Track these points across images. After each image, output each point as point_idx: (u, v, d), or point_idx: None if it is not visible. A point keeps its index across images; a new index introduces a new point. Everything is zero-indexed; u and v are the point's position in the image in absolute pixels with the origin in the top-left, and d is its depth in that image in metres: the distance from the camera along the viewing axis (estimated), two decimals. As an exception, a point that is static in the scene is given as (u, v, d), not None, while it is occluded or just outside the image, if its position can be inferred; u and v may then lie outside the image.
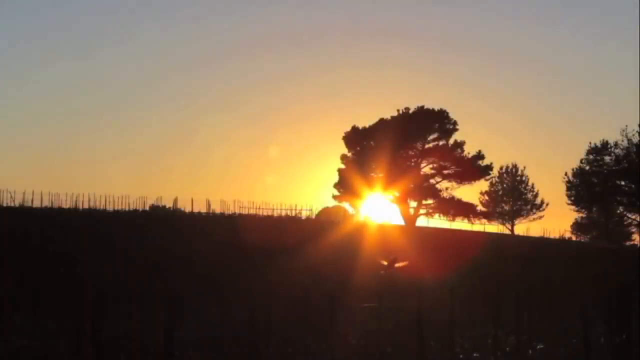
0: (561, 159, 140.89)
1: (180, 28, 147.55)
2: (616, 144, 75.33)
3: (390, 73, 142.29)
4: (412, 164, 78.78)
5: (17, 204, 56.56)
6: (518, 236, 77.12)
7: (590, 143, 77.46)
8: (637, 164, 72.80)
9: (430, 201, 79.76)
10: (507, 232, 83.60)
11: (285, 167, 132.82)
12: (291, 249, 37.23)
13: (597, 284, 31.30)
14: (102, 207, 59.22)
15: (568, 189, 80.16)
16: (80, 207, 57.72)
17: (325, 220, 64.20)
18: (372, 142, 78.11)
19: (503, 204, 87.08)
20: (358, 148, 79.34)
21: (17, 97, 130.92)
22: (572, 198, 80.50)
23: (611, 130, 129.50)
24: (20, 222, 41.52)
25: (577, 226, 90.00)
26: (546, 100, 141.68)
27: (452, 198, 79.08)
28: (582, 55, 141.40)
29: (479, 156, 78.08)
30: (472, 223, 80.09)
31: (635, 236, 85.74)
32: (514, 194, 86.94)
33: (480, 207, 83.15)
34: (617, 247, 68.48)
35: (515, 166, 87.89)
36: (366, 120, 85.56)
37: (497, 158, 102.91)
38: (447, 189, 79.17)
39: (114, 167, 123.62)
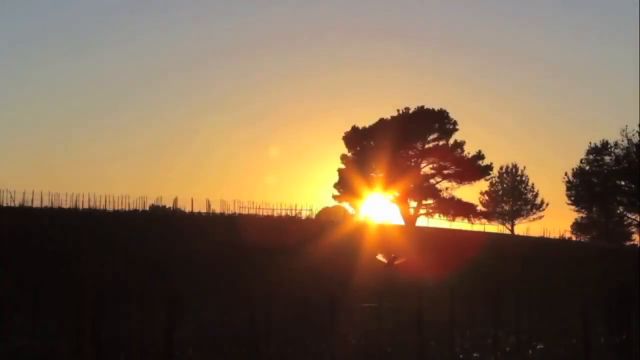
0: (561, 159, 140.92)
1: (180, 28, 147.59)
2: (616, 144, 75.39)
3: (390, 73, 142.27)
4: (412, 164, 78.78)
5: (17, 204, 56.52)
6: (518, 236, 77.11)
7: (590, 143, 77.57)
8: (637, 164, 72.78)
9: (430, 201, 79.77)
10: (507, 232, 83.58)
11: (285, 167, 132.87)
12: (291, 249, 37.24)
13: (597, 284, 31.31)
14: (102, 207, 59.18)
15: (568, 189, 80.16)
16: (80, 207, 57.68)
17: (325, 220, 64.19)
18: (372, 142, 78.11)
19: (503, 204, 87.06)
20: (358, 148, 79.34)
21: (17, 97, 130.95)
22: (572, 198, 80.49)
23: (611, 130, 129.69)
24: (20, 222, 41.52)
25: (577, 226, 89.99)
26: (546, 100, 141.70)
27: (452, 198, 79.09)
28: (582, 55, 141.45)
29: (479, 156, 78.09)
30: (472, 223, 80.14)
31: (635, 236, 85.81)
32: (514, 194, 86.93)
33: (480, 207, 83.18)
34: (617, 247, 68.47)
35: (515, 166, 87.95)
36: (366, 120, 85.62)
37: (497, 158, 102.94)
38: (447, 189, 79.25)
39: (114, 167, 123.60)
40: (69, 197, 61.26)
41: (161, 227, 45.17)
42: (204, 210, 62.21)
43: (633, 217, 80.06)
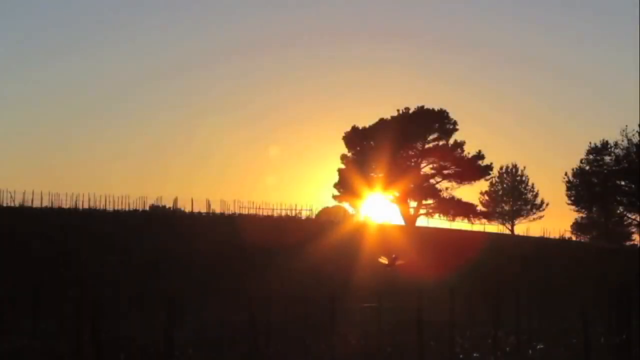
0: (561, 159, 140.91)
1: (180, 28, 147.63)
2: (616, 144, 75.37)
3: (390, 73, 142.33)
4: (412, 164, 78.78)
5: (17, 204, 56.51)
6: (518, 236, 77.09)
7: (590, 143, 77.55)
8: (637, 164, 72.75)
9: (430, 201, 79.76)
10: (507, 232, 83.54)
11: (285, 167, 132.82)
12: (291, 249, 37.25)
13: (597, 284, 31.30)
14: (102, 207, 59.19)
15: (568, 189, 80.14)
16: (80, 207, 57.67)
17: (325, 220, 64.19)
18: (372, 142, 78.11)
19: (503, 204, 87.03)
20: (358, 148, 79.34)
21: (17, 97, 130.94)
22: (572, 198, 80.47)
23: (611, 130, 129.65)
24: (20, 222, 41.51)
25: (577, 226, 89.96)
26: (546, 100, 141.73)
27: (452, 198, 79.08)
28: (582, 55, 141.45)
29: (479, 156, 78.09)
30: (472, 223, 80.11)
31: (635, 236, 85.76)
32: (514, 194, 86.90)
33: (480, 207, 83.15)
34: (617, 247, 68.45)
35: (515, 166, 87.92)
36: (366, 120, 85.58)
37: (497, 158, 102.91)
38: (447, 189, 79.23)
39: (114, 167, 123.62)
40: (69, 197, 61.32)
41: (161, 227, 45.17)
42: (204, 210, 62.25)
43: (633, 217, 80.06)
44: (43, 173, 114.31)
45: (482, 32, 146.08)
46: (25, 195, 58.33)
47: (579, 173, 78.78)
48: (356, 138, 79.36)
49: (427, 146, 78.47)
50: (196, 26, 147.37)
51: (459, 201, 79.30)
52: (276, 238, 40.77)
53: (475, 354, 16.79)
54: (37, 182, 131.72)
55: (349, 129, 79.98)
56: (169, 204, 64.00)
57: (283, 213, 66.46)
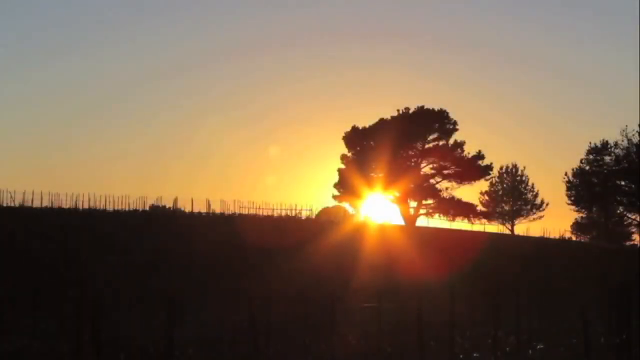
0: (561, 159, 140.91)
1: (180, 28, 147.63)
2: (616, 144, 75.32)
3: (390, 73, 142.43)
4: (412, 164, 78.74)
5: (17, 204, 56.50)
6: (518, 236, 77.06)
7: (590, 143, 77.51)
8: (637, 164, 72.72)
9: (430, 201, 79.71)
10: (507, 232, 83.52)
11: (285, 167, 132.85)
12: (291, 249, 37.22)
13: (597, 284, 31.29)
14: (102, 207, 59.16)
15: (568, 189, 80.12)
16: (80, 207, 57.64)
17: (325, 220, 64.17)
18: (372, 142, 78.08)
19: (503, 204, 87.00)
20: (358, 148, 79.31)
21: (17, 97, 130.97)
22: (572, 198, 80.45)
23: (611, 130, 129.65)
24: (20, 222, 41.51)
25: (577, 226, 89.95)
26: (546, 100, 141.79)
27: (452, 198, 79.04)
28: (582, 55, 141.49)
29: (479, 156, 78.06)
30: (472, 223, 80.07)
31: (635, 236, 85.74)
32: (514, 194, 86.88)
33: (480, 207, 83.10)
34: (617, 247, 68.44)
35: (515, 166, 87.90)
36: (366, 120, 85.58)
37: (497, 158, 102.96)
38: (447, 189, 79.17)
39: (114, 167, 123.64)
40: (69, 197, 61.29)
41: (161, 227, 45.16)
42: (204, 210, 62.23)
43: (633, 217, 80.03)
44: (43, 173, 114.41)
45: (482, 32, 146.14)
46: (25, 195, 58.38)
47: (579, 173, 78.75)
48: (356, 138, 79.33)
49: (427, 146, 78.44)
50: (196, 26, 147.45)
51: (459, 201, 79.28)
52: (276, 238, 40.75)
53: (475, 354, 16.79)
54: (37, 182, 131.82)
55: (349, 129, 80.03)
56: (169, 204, 64.06)
57: (283, 213, 66.47)
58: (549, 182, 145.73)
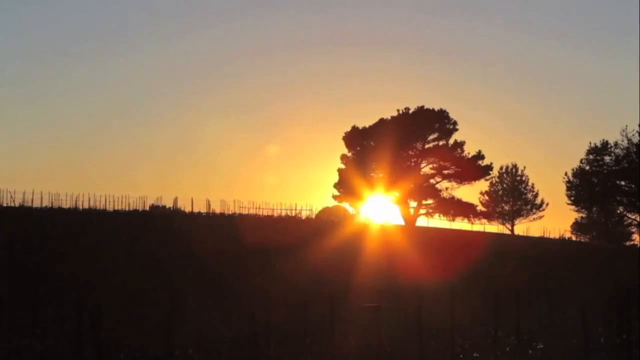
0: (561, 159, 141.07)
1: (181, 29, 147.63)
2: (616, 144, 75.42)
3: (390, 73, 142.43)
4: (412, 164, 78.76)
5: (17, 204, 56.56)
6: (518, 236, 77.07)
7: (590, 143, 77.62)
8: (637, 164, 72.74)
9: (430, 201, 79.77)
10: (507, 232, 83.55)
11: (285, 167, 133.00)
12: (291, 249, 37.20)
13: (597, 284, 31.30)
14: (102, 207, 59.23)
15: (568, 189, 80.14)
16: (80, 207, 57.70)
17: (325, 220, 64.19)
18: (372, 142, 78.10)
19: (503, 204, 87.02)
20: (358, 148, 79.32)
21: (17, 97, 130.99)
22: (572, 198, 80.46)
23: (611, 130, 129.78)
24: (20, 222, 41.50)
25: (577, 226, 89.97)
26: (546, 101, 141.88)
27: (452, 198, 79.08)
28: (582, 55, 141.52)
29: (479, 156, 78.09)
30: (472, 223, 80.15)
31: (635, 236, 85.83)
32: (514, 194, 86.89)
33: (480, 207, 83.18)
34: (617, 247, 68.44)
35: (515, 166, 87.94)
36: (366, 120, 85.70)
37: (497, 158, 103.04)
38: (447, 189, 79.27)
39: (114, 167, 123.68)
40: (69, 197, 61.41)
41: (161, 227, 45.15)
42: (204, 210, 62.30)
43: (633, 217, 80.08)
44: (43, 173, 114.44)
45: (482, 33, 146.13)
46: (25, 195, 58.48)
47: (579, 173, 78.77)
48: (356, 138, 79.35)
49: (427, 146, 78.48)
50: (197, 28, 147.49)
51: (459, 201, 79.31)
52: (276, 238, 40.75)
53: (475, 354, 16.78)
54: (37, 182, 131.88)
55: (349, 129, 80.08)
56: (169, 204, 64.16)
57: (283, 213, 66.52)
58: (549, 182, 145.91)
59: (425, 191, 78.82)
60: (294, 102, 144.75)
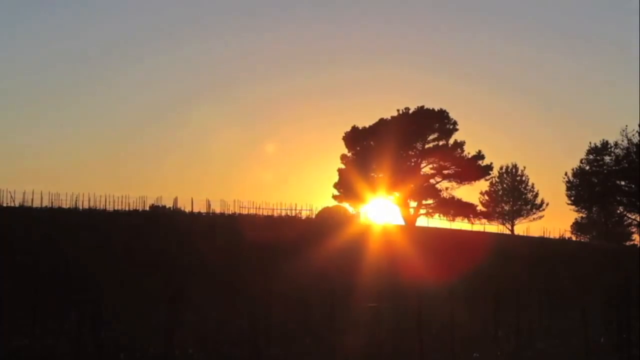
0: (561, 159, 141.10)
1: (180, 28, 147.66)
2: (616, 144, 75.45)
3: (390, 73, 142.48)
4: (412, 164, 78.77)
5: (17, 204, 56.54)
6: (518, 236, 77.07)
7: (590, 143, 77.68)
8: (637, 164, 72.76)
9: (430, 201, 79.79)
10: (507, 232, 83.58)
11: (285, 167, 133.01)
12: (291, 249, 37.19)
13: (597, 284, 31.29)
14: (102, 207, 59.24)
15: (568, 189, 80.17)
16: (80, 207, 57.69)
17: (325, 220, 64.17)
18: (372, 142, 78.11)
19: (503, 204, 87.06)
20: (358, 148, 79.34)
21: (17, 97, 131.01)
22: (572, 198, 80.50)
23: (611, 130, 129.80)
24: (20, 222, 41.49)
25: (577, 226, 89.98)
26: (546, 100, 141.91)
27: (452, 198, 79.09)
28: (582, 55, 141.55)
29: (479, 156, 78.11)
30: (472, 223, 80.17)
31: (635, 236, 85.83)
32: (514, 194, 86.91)
33: (480, 207, 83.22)
34: (617, 247, 68.44)
35: (515, 166, 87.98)
36: (366, 120, 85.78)
37: (497, 158, 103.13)
38: (447, 189, 79.30)
39: (114, 167, 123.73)
40: (69, 197, 61.43)
41: (161, 227, 45.14)
42: (204, 210, 62.30)
43: (633, 217, 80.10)
44: (43, 173, 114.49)
45: (482, 32, 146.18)
46: (25, 195, 58.47)
47: (579, 173, 78.80)
48: (356, 138, 79.38)
49: (427, 146, 78.50)
50: (196, 26, 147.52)
51: (459, 201, 79.33)
52: (276, 238, 40.74)
53: (475, 354, 16.79)
54: (37, 182, 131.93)
55: (349, 129, 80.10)
56: (169, 204, 64.15)
57: (283, 213, 66.52)
58: (549, 182, 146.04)
59: (425, 191, 78.83)
60: (294, 102, 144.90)
